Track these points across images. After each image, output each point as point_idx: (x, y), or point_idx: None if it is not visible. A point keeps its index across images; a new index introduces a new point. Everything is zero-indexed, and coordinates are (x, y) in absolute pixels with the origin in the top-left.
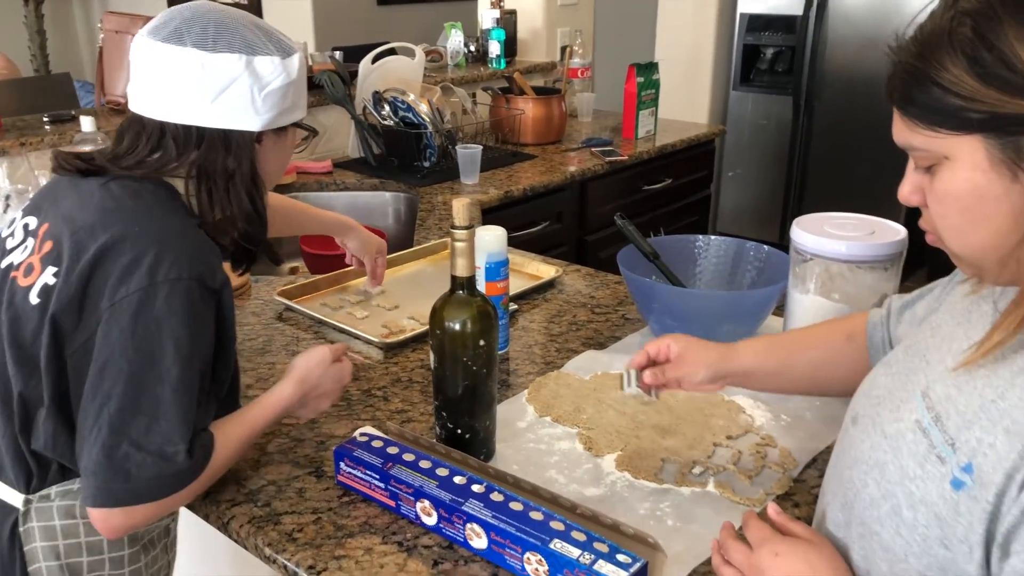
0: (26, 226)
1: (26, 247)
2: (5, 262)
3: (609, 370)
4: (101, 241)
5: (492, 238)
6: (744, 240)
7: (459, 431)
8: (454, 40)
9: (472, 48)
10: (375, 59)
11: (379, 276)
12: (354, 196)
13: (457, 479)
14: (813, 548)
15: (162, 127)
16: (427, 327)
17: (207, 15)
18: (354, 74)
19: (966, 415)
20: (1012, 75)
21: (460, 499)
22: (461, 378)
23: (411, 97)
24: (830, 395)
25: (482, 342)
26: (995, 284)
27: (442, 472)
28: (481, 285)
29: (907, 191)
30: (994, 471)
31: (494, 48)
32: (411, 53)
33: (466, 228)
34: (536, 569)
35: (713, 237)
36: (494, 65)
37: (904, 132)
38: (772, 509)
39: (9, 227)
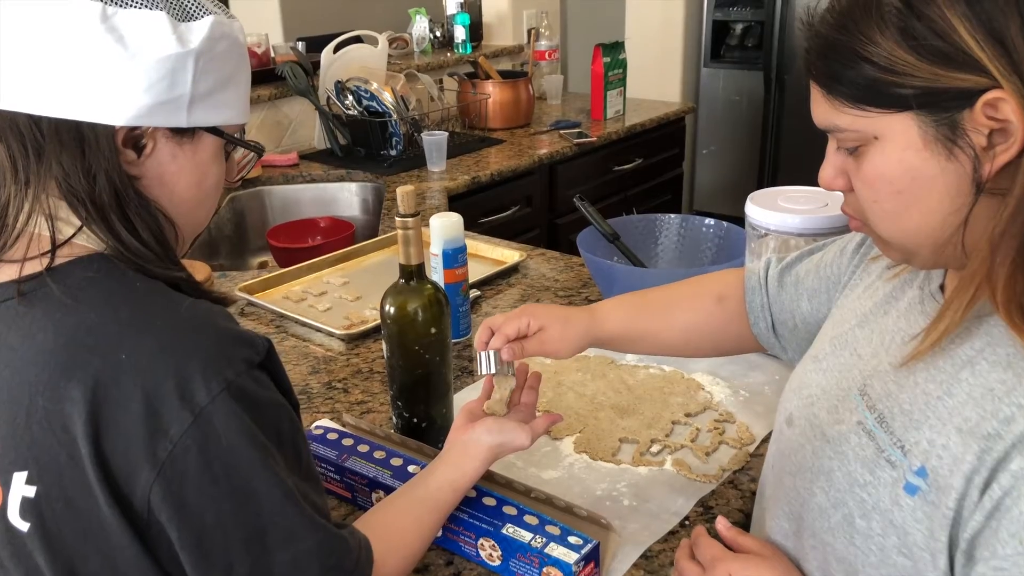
0: None
1: None
2: None
3: None
4: (80, 402)
5: (449, 224)
6: (703, 217)
7: (415, 420)
8: (419, 26)
9: (438, 34)
10: (336, 48)
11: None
12: (321, 188)
13: (411, 468)
14: (766, 564)
15: None
16: None
17: None
18: (316, 65)
19: (912, 414)
20: (947, 46)
21: None
22: (414, 367)
23: (374, 86)
24: (701, 356)
25: (433, 329)
26: (923, 268)
27: (396, 462)
28: (439, 272)
29: (830, 175)
30: (951, 474)
31: (459, 33)
32: (374, 41)
33: (411, 216)
34: (490, 554)
35: (672, 216)
36: (460, 50)
37: (827, 112)
38: (721, 524)
39: None
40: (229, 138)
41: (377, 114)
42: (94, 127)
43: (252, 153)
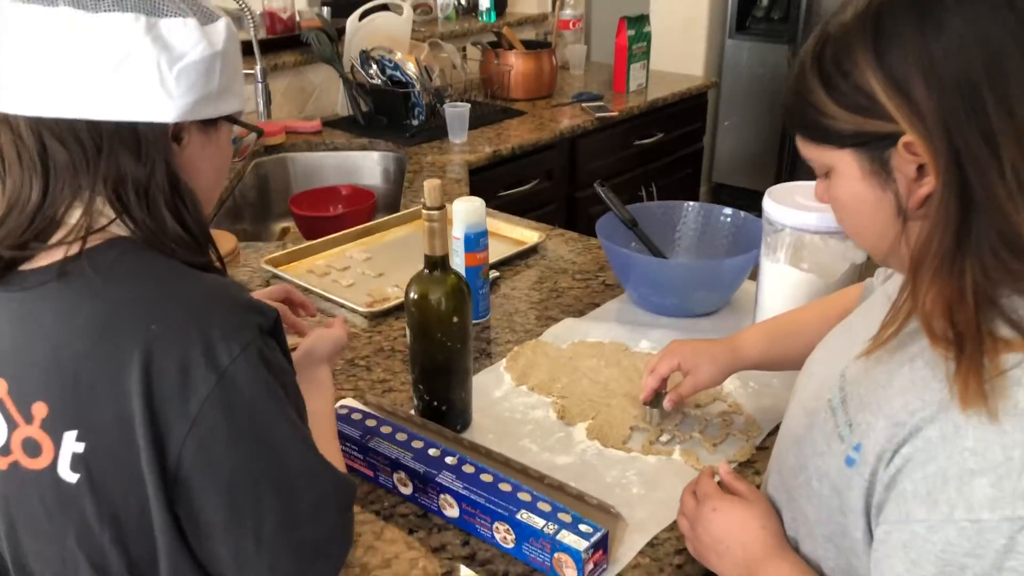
0: None
1: None
2: None
3: (586, 338)
4: (125, 363)
5: (472, 208)
6: (721, 206)
7: (435, 403)
8: None
9: (463, 1)
10: (362, 16)
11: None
12: (343, 156)
13: (432, 451)
14: (747, 507)
15: (38, 131)
16: None
17: None
18: (341, 31)
19: (863, 398)
20: (864, 99)
21: (434, 471)
22: (436, 353)
23: (398, 56)
24: None
25: (455, 318)
26: (896, 269)
27: (417, 444)
28: (460, 256)
29: (818, 190)
30: (870, 452)
31: (484, 1)
32: (399, 9)
33: (437, 208)
34: (504, 537)
35: (691, 204)
36: (484, 18)
37: (800, 145)
38: (723, 468)
39: None
40: (241, 123)
41: (400, 84)
42: (150, 126)
43: (252, 133)
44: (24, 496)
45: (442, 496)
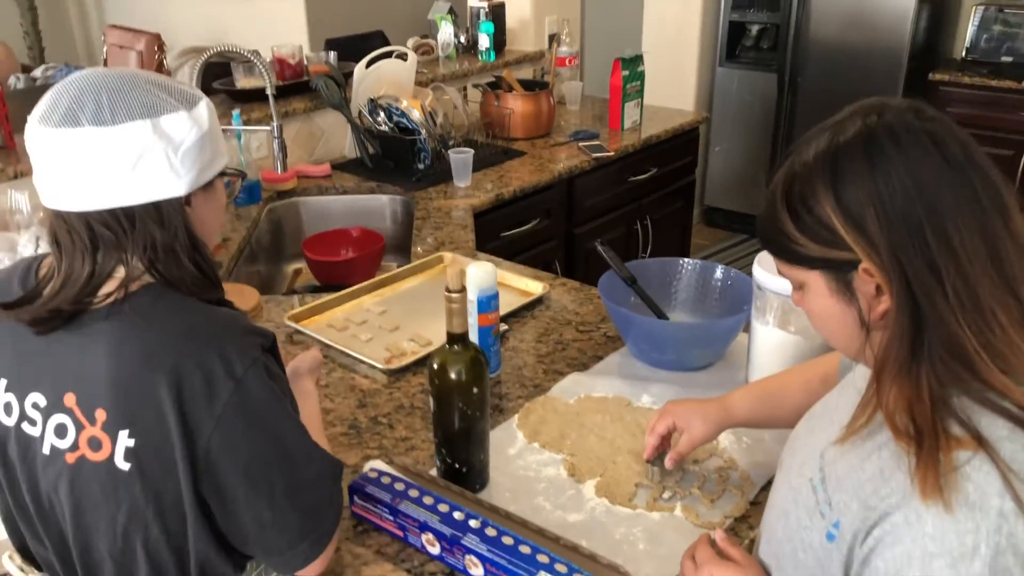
0: (34, 405)
1: (65, 428)
2: (44, 450)
3: (591, 392)
4: (162, 382)
5: (484, 274)
6: (715, 264)
7: (456, 465)
8: (444, 32)
9: (462, 39)
10: (369, 63)
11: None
12: (352, 199)
13: (456, 514)
14: (741, 572)
15: (86, 220)
16: (427, 350)
17: (97, 84)
18: (348, 75)
19: (841, 480)
20: (827, 233)
21: (460, 533)
22: (458, 420)
23: (404, 103)
24: None
25: (475, 389)
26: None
27: (443, 508)
28: (474, 316)
29: (795, 298)
30: (848, 530)
31: (483, 41)
32: (404, 56)
33: (459, 292)
34: None
35: (686, 260)
36: (484, 58)
37: (775, 263)
38: (718, 535)
39: (8, 416)
40: (228, 174)
41: (407, 130)
42: (169, 201)
43: (238, 178)
44: (88, 483)
45: (468, 557)
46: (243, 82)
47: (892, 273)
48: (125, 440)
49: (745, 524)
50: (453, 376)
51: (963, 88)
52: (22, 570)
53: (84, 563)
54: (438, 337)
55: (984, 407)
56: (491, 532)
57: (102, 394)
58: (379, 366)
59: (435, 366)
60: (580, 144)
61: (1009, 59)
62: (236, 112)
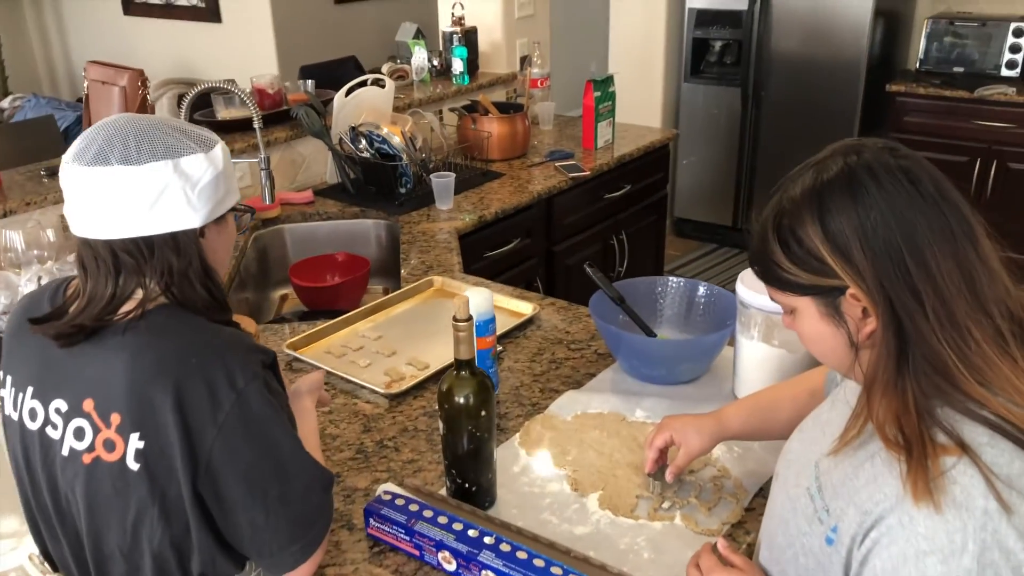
0: (57, 410)
1: (82, 431)
2: (63, 451)
3: (587, 409)
4: (173, 389)
5: (481, 300)
6: (697, 281)
7: (466, 485)
8: (418, 57)
9: (436, 63)
10: (348, 91)
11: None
12: (336, 225)
13: (471, 532)
14: None
15: (110, 246)
16: (425, 373)
17: (125, 129)
18: (326, 102)
19: (837, 488)
20: (816, 262)
21: (475, 550)
22: (466, 442)
23: (384, 130)
24: None
25: (483, 412)
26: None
27: (457, 526)
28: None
29: (786, 321)
30: (846, 533)
31: (457, 65)
32: (382, 83)
33: (466, 320)
34: None
35: (671, 279)
36: (458, 81)
37: (768, 290)
38: (721, 544)
39: (31, 421)
40: (239, 210)
41: (388, 156)
42: (185, 232)
43: (246, 214)
44: (101, 481)
45: (484, 572)
46: (224, 113)
47: (877, 297)
48: (136, 442)
49: (741, 529)
50: (462, 401)
51: (918, 98)
52: (43, 573)
53: (96, 559)
54: (435, 360)
55: (966, 416)
56: (505, 548)
57: (118, 399)
58: (380, 391)
59: (444, 391)
60: (556, 164)
61: (960, 69)
62: None
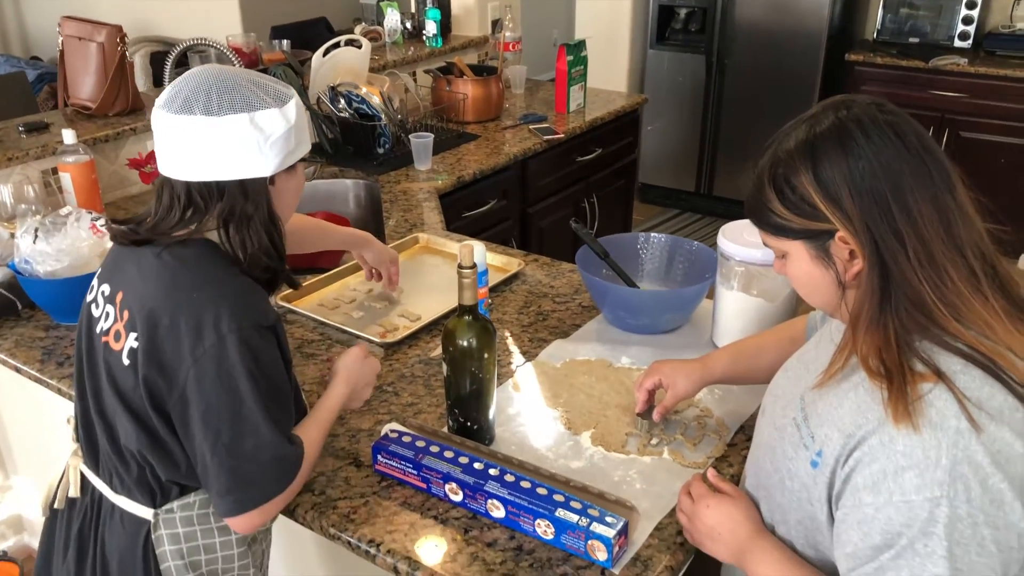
0: (103, 292)
1: (108, 315)
2: (99, 328)
3: (575, 357)
4: (169, 311)
5: (478, 252)
6: (677, 237)
7: (468, 423)
8: (391, 19)
9: (408, 25)
10: (326, 52)
11: (395, 282)
12: (314, 184)
13: (476, 465)
14: (735, 503)
15: (188, 186)
16: (418, 324)
17: (209, 82)
18: (302, 62)
19: (821, 416)
20: (808, 208)
21: (481, 481)
22: (469, 383)
23: (363, 90)
24: None
25: (486, 355)
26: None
27: (463, 460)
28: None
29: (776, 266)
30: (830, 456)
31: (431, 28)
32: (358, 44)
33: (470, 268)
34: (545, 531)
35: (653, 235)
36: (431, 44)
37: (761, 234)
38: (711, 473)
39: (91, 293)
40: (308, 160)
41: (367, 116)
42: (254, 180)
43: (317, 164)
44: (107, 364)
45: (490, 501)
46: None
47: (864, 239)
48: (131, 342)
49: (725, 463)
50: (465, 344)
51: (876, 68)
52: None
53: (100, 419)
54: (426, 312)
55: (942, 348)
56: (510, 478)
57: (134, 300)
58: (376, 340)
59: (450, 335)
60: (530, 127)
61: (916, 40)
62: None
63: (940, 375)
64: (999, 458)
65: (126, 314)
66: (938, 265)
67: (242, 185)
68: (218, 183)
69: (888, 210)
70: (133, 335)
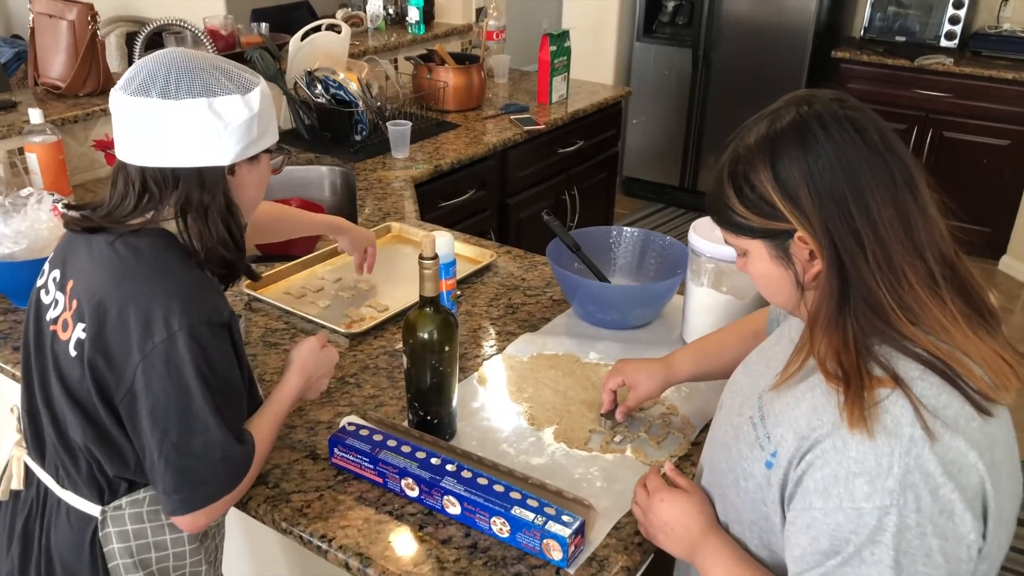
0: (54, 279)
1: (57, 302)
2: (48, 316)
3: (543, 351)
4: (118, 303)
5: (443, 243)
6: (650, 231)
7: (428, 417)
8: (373, 4)
9: (391, 11)
10: (304, 36)
11: (370, 266)
12: (289, 170)
13: (433, 460)
14: (690, 498)
15: (143, 172)
16: (385, 315)
17: (169, 65)
18: (280, 45)
19: (777, 416)
20: (767, 207)
21: (438, 476)
22: (430, 376)
23: (341, 76)
24: None
25: (447, 348)
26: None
27: (420, 455)
28: None
29: (738, 263)
30: (783, 457)
31: (413, 14)
32: (338, 28)
33: (432, 258)
34: (500, 529)
35: (625, 229)
36: (413, 30)
37: (722, 233)
38: (668, 467)
39: (42, 278)
40: (274, 152)
41: (344, 102)
42: (212, 168)
43: (284, 155)
44: (54, 353)
45: (446, 497)
46: None
47: (823, 240)
48: (79, 332)
49: (688, 461)
50: (426, 336)
51: (861, 65)
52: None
53: (47, 410)
54: (394, 302)
55: (900, 352)
56: (466, 474)
57: (84, 290)
58: (341, 331)
59: (409, 326)
60: (511, 117)
61: (902, 39)
62: None
63: (898, 381)
64: (952, 468)
65: (75, 303)
66: (896, 268)
67: (199, 173)
68: (173, 170)
69: (847, 210)
70: (81, 325)
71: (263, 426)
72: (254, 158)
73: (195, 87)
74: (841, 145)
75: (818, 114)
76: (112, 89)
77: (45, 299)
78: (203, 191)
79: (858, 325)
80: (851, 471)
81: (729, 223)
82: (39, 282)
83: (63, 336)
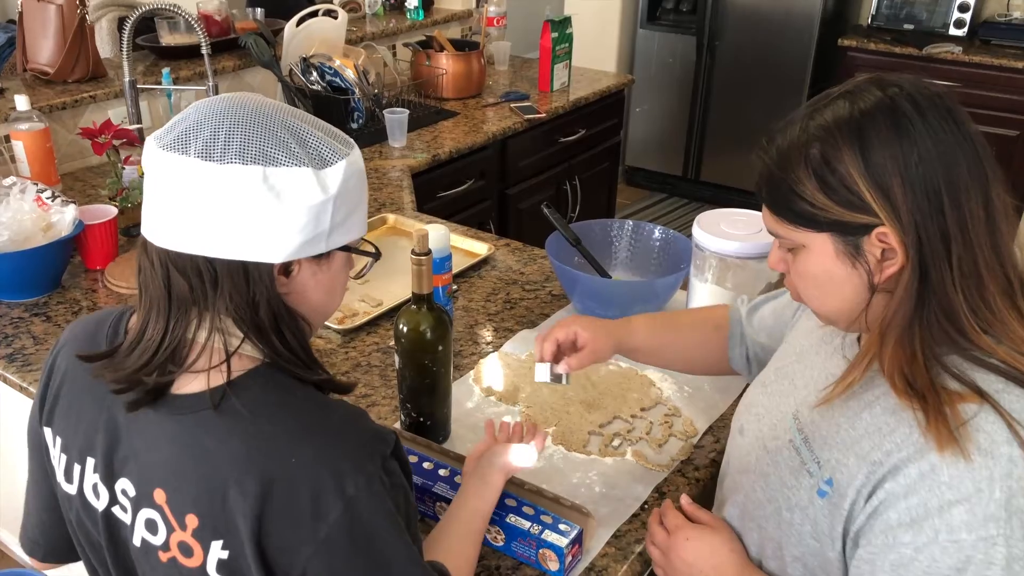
0: (124, 492)
1: (156, 523)
2: (137, 540)
3: None
4: (257, 493)
5: (438, 236)
6: (652, 225)
7: (421, 418)
8: None
9: None
10: (300, 21)
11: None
12: None
13: (426, 464)
14: (716, 534)
15: (166, 260)
16: (378, 310)
17: (225, 113)
18: (276, 31)
19: (828, 439)
20: (850, 195)
21: (430, 482)
22: (422, 376)
23: (337, 63)
24: (695, 373)
25: (440, 347)
26: (844, 331)
27: (412, 459)
28: None
29: (774, 260)
30: (848, 486)
31: (412, 0)
32: (335, 14)
33: (424, 254)
34: (495, 537)
35: (628, 222)
36: (412, 16)
37: (771, 222)
38: (685, 500)
39: (97, 499)
40: (355, 251)
41: (340, 89)
42: (258, 264)
43: (372, 259)
44: None
45: (438, 504)
46: (168, 39)
47: (910, 238)
48: (218, 552)
49: (691, 466)
50: (418, 335)
51: (869, 54)
52: None
53: None
54: (388, 297)
55: (973, 364)
56: (460, 480)
57: (194, 497)
58: (333, 327)
59: (402, 326)
60: (512, 105)
61: (911, 27)
62: (166, 71)
63: (983, 395)
64: None
65: (191, 520)
66: (979, 274)
67: (244, 270)
68: (208, 260)
69: (940, 207)
70: (217, 544)
71: (459, 547)
72: (323, 256)
73: (249, 149)
74: (937, 132)
75: (910, 96)
76: (147, 138)
77: (123, 517)
78: (248, 291)
79: (930, 333)
80: (945, 499)
81: (792, 211)
82: (95, 503)
83: (189, 563)
